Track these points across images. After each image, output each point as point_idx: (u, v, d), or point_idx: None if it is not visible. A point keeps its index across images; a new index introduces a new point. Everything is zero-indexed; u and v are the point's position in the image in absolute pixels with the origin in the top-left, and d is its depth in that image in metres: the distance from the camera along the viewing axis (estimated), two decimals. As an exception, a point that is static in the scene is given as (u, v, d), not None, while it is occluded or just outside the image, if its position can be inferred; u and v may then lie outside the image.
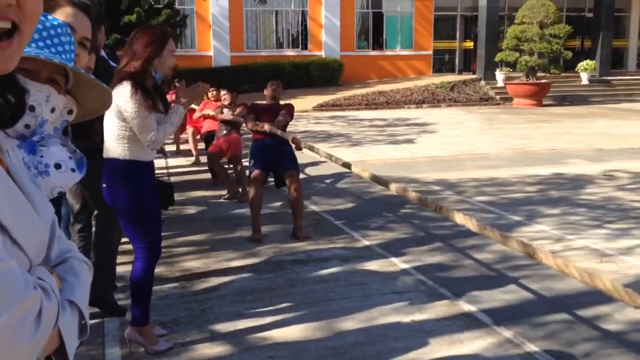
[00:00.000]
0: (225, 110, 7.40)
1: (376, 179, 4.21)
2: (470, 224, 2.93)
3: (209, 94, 8.56)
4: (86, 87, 1.52)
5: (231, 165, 7.36)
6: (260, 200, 5.27)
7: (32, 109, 1.45)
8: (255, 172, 5.31)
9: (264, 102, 5.86)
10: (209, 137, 8.10)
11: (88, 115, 1.65)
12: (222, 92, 7.76)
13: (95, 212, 3.71)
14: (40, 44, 1.45)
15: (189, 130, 9.51)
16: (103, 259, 3.69)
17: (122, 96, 2.94)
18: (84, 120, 1.69)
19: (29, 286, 0.77)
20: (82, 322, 0.91)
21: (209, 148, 7.39)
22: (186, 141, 10.10)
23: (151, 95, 2.98)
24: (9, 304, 0.72)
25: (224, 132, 7.21)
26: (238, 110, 7.14)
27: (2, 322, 0.71)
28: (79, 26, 1.86)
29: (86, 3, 1.97)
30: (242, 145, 7.28)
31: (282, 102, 5.80)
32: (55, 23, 1.51)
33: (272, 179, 5.86)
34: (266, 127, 5.33)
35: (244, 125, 6.46)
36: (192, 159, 9.31)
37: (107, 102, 1.57)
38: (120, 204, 3.05)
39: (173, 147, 10.42)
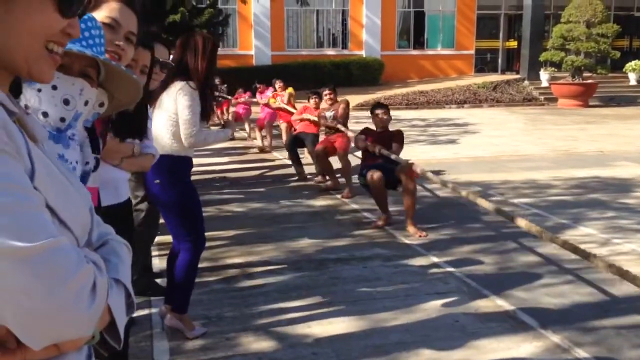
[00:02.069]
0: (327, 114, 7.41)
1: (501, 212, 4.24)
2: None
3: (311, 101, 8.34)
4: (117, 79, 1.55)
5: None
6: (385, 190, 5.45)
7: (67, 102, 1.46)
8: (371, 171, 5.37)
9: (374, 128, 5.85)
10: (294, 139, 8.04)
11: (119, 108, 1.67)
12: (325, 92, 7.70)
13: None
14: None
15: (283, 125, 9.77)
16: (141, 251, 3.86)
17: (182, 90, 3.08)
18: (115, 112, 1.71)
19: (82, 260, 0.80)
20: (129, 299, 0.94)
21: (316, 145, 7.42)
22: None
23: (205, 102, 3.14)
24: (65, 278, 0.75)
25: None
26: (340, 109, 7.31)
27: (61, 296, 0.75)
28: (125, 21, 1.87)
29: None
30: (349, 143, 7.16)
31: (391, 129, 5.82)
32: (85, 17, 1.53)
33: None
34: (377, 148, 5.41)
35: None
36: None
37: (137, 95, 1.59)
38: (174, 198, 3.14)
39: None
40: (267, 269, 4.44)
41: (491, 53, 25.57)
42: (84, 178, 1.58)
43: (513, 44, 25.17)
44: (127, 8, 1.89)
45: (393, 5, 24.10)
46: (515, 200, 6.58)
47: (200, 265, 4.43)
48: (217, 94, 13.04)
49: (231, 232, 5.42)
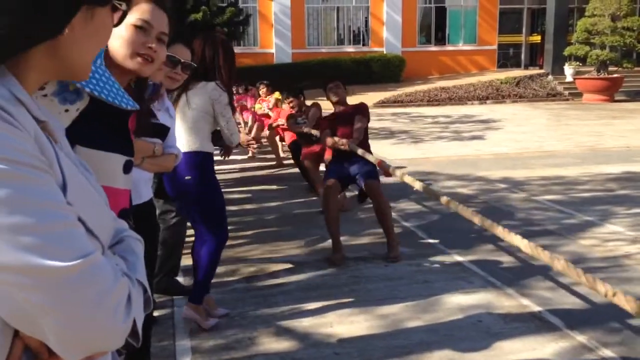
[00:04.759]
0: (299, 120, 6.75)
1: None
2: (517, 241, 2.87)
3: (285, 105, 7.83)
4: None
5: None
6: (338, 212, 4.69)
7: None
8: (329, 180, 4.74)
9: (333, 110, 5.12)
10: (298, 149, 7.19)
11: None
12: (288, 100, 7.05)
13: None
14: None
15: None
16: (173, 252, 3.91)
17: (217, 90, 3.20)
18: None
19: (118, 274, 0.81)
20: (145, 295, 0.95)
21: (301, 157, 6.72)
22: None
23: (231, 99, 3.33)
24: (103, 295, 0.76)
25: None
26: (311, 112, 6.62)
27: (100, 312, 0.76)
28: (156, 21, 1.86)
29: None
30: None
31: (351, 103, 5.10)
32: None
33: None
34: (346, 145, 4.71)
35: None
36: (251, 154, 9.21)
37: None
38: (205, 193, 3.23)
39: None
40: (289, 267, 4.43)
41: (514, 48, 25.27)
42: None
43: (536, 38, 24.84)
44: (158, 9, 1.88)
45: (414, 1, 23.94)
46: (540, 198, 6.48)
47: (222, 265, 4.47)
48: None
49: (252, 231, 5.42)
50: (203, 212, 3.28)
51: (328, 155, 6.35)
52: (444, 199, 3.70)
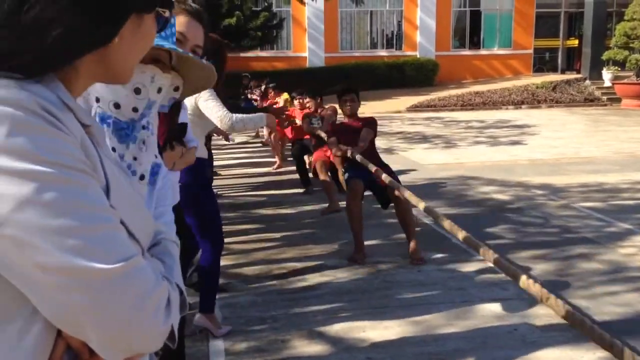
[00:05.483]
0: (313, 120, 6.88)
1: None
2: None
3: (295, 102, 8.05)
4: (189, 64, 1.54)
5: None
6: (361, 214, 4.78)
7: (138, 91, 1.42)
8: (355, 182, 4.76)
9: (343, 120, 5.25)
10: (301, 147, 7.41)
11: (195, 91, 1.64)
12: (306, 100, 7.32)
13: None
14: None
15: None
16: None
17: None
18: (189, 96, 1.69)
19: (159, 277, 0.82)
20: (181, 296, 0.95)
21: (314, 157, 6.74)
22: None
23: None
24: (144, 297, 0.77)
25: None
26: (326, 113, 6.86)
27: (141, 314, 0.77)
28: (191, 34, 1.85)
29: (199, 10, 1.94)
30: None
31: (361, 116, 5.21)
32: None
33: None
34: (349, 152, 4.72)
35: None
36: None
37: (212, 77, 1.57)
38: (191, 199, 3.14)
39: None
40: (321, 271, 4.43)
41: (550, 52, 24.88)
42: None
43: (574, 42, 24.42)
44: (195, 21, 1.87)
45: (448, 5, 23.77)
46: (578, 205, 6.35)
47: (254, 267, 4.50)
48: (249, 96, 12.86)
49: (284, 233, 5.44)
50: (195, 218, 3.22)
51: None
52: (446, 224, 3.33)
